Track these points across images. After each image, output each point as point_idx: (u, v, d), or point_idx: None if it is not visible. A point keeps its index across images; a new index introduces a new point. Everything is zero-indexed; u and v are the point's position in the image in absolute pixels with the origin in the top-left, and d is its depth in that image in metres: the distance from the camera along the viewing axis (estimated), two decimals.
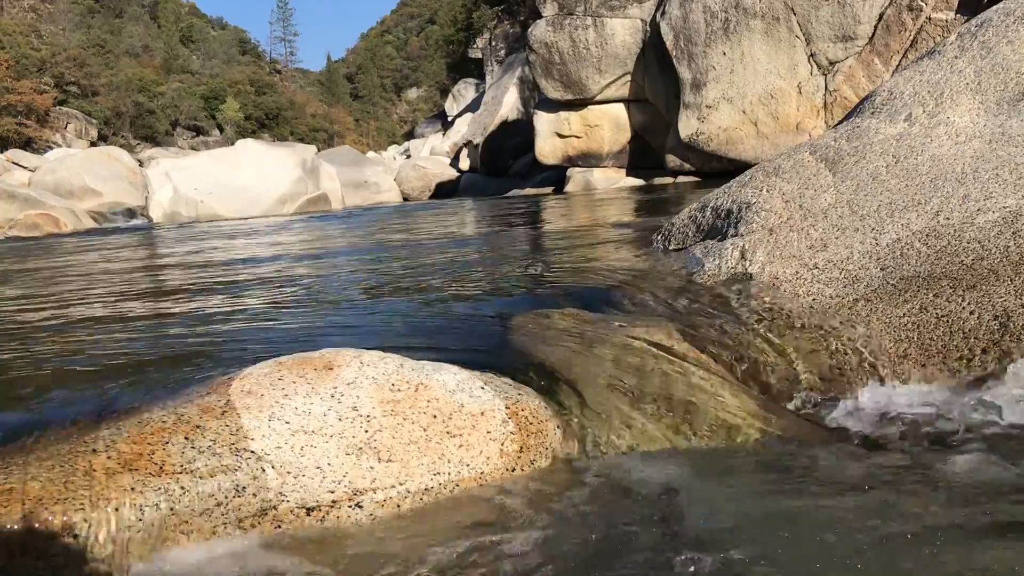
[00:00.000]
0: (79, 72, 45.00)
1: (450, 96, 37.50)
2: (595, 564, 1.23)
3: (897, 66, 10.40)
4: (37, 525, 1.22)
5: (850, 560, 1.19)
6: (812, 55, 11.27)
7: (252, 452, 1.43)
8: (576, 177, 14.99)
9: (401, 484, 1.48)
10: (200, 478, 1.37)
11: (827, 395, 1.96)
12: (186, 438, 1.42)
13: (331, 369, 1.60)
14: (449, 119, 34.66)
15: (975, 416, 1.76)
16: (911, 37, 10.37)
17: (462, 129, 28.01)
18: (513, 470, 1.57)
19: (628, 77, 14.05)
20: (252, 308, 2.93)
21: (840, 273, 2.25)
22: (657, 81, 13.49)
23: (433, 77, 64.37)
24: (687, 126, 12.45)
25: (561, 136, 15.02)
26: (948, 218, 2.23)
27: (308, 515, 1.42)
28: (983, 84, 2.58)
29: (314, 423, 1.49)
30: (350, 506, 1.44)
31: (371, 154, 36.00)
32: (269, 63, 76.54)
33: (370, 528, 1.41)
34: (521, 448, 1.59)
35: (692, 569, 1.18)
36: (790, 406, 1.94)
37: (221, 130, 54.13)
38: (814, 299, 2.22)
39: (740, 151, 11.96)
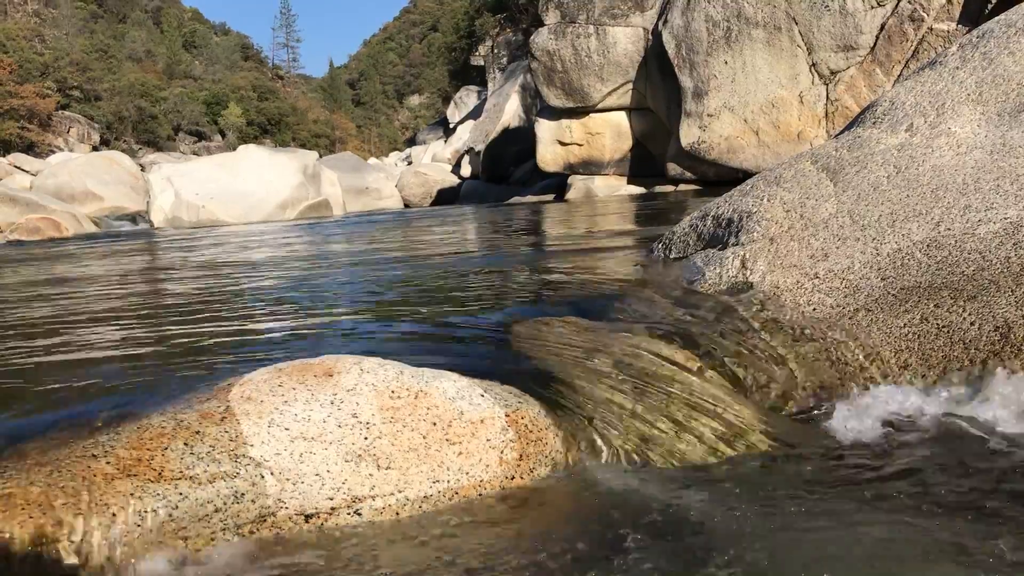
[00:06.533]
0: (82, 77, 45.16)
1: (452, 103, 37.54)
2: (593, 574, 1.22)
3: (898, 76, 10.43)
4: (35, 530, 1.22)
5: (850, 567, 1.19)
6: (814, 64, 11.30)
7: (251, 458, 1.43)
8: (577, 184, 15.02)
9: (400, 492, 1.47)
10: (199, 484, 1.37)
11: (827, 405, 1.96)
12: (185, 444, 1.42)
13: (331, 376, 1.60)
14: (451, 126, 34.72)
15: (974, 428, 1.76)
16: (912, 47, 10.40)
17: (464, 136, 28.08)
18: (512, 478, 1.56)
19: (630, 85, 14.10)
20: (252, 314, 2.93)
21: (841, 283, 2.24)
22: (659, 89, 13.53)
23: (435, 84, 64.54)
24: (688, 134, 12.48)
25: (562, 143, 15.07)
26: (949, 229, 2.23)
27: (307, 522, 1.42)
28: (984, 95, 2.58)
29: (313, 430, 1.48)
30: (349, 513, 1.43)
31: (373, 160, 36.10)
32: (271, 69, 76.72)
33: (369, 536, 1.40)
34: (521, 456, 1.58)
35: None
36: (791, 416, 1.94)
37: (223, 135, 54.26)
38: (815, 309, 2.22)
39: (741, 160, 11.99)
